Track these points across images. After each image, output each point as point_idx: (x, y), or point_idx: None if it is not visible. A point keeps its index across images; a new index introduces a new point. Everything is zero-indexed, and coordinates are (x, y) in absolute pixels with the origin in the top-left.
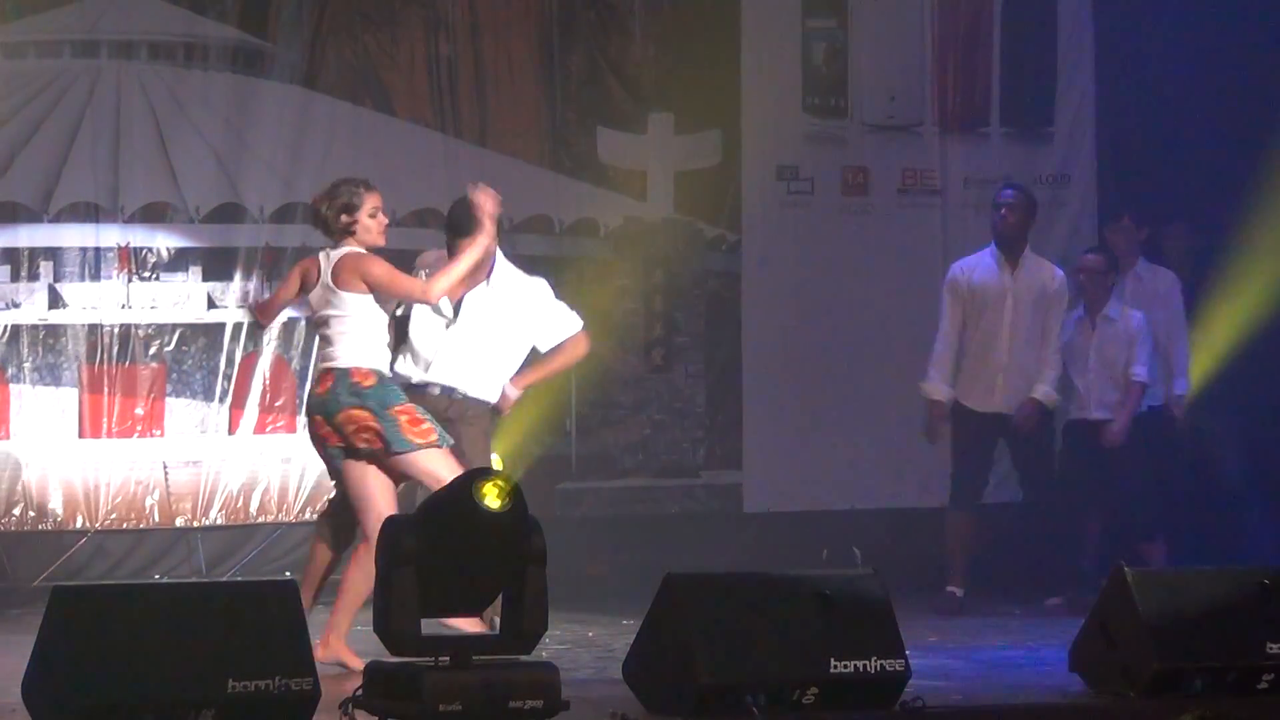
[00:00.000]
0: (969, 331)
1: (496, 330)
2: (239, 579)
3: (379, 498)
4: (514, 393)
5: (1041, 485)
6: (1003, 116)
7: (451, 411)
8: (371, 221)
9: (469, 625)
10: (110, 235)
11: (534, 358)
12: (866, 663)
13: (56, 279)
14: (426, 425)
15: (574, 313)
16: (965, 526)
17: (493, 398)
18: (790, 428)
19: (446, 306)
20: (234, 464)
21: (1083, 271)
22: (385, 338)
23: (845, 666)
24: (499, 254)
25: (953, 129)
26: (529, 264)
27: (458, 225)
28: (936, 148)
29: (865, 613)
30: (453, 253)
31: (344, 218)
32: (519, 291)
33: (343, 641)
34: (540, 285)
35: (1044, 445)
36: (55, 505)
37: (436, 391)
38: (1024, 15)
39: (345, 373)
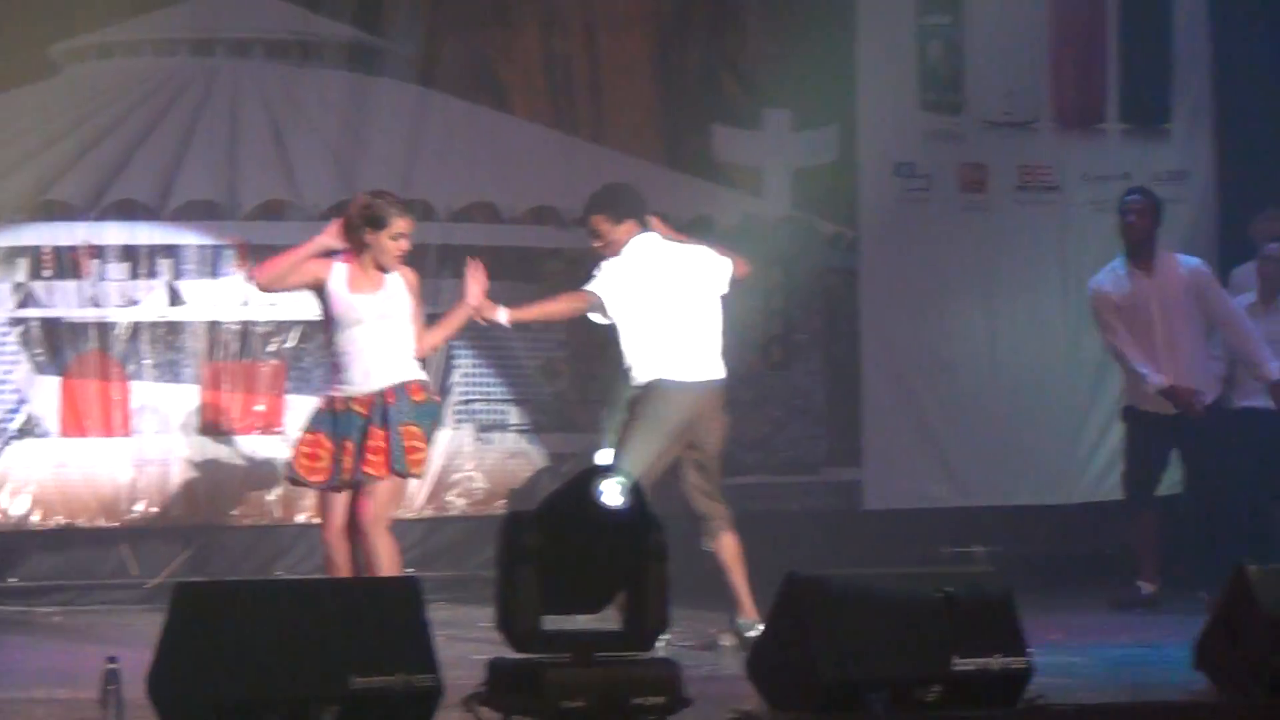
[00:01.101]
0: (1133, 341)
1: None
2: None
3: None
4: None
5: (1208, 476)
6: (1120, 113)
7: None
8: (391, 244)
9: None
10: (228, 232)
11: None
12: (989, 660)
13: (176, 276)
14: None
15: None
16: (1149, 523)
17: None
18: (909, 424)
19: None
20: None
21: (1272, 260)
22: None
23: (968, 664)
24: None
25: (1070, 125)
26: None
27: (603, 205)
28: (1053, 144)
29: (987, 610)
30: (593, 232)
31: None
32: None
33: None
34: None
35: (1215, 437)
36: (177, 501)
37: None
38: (1140, 11)
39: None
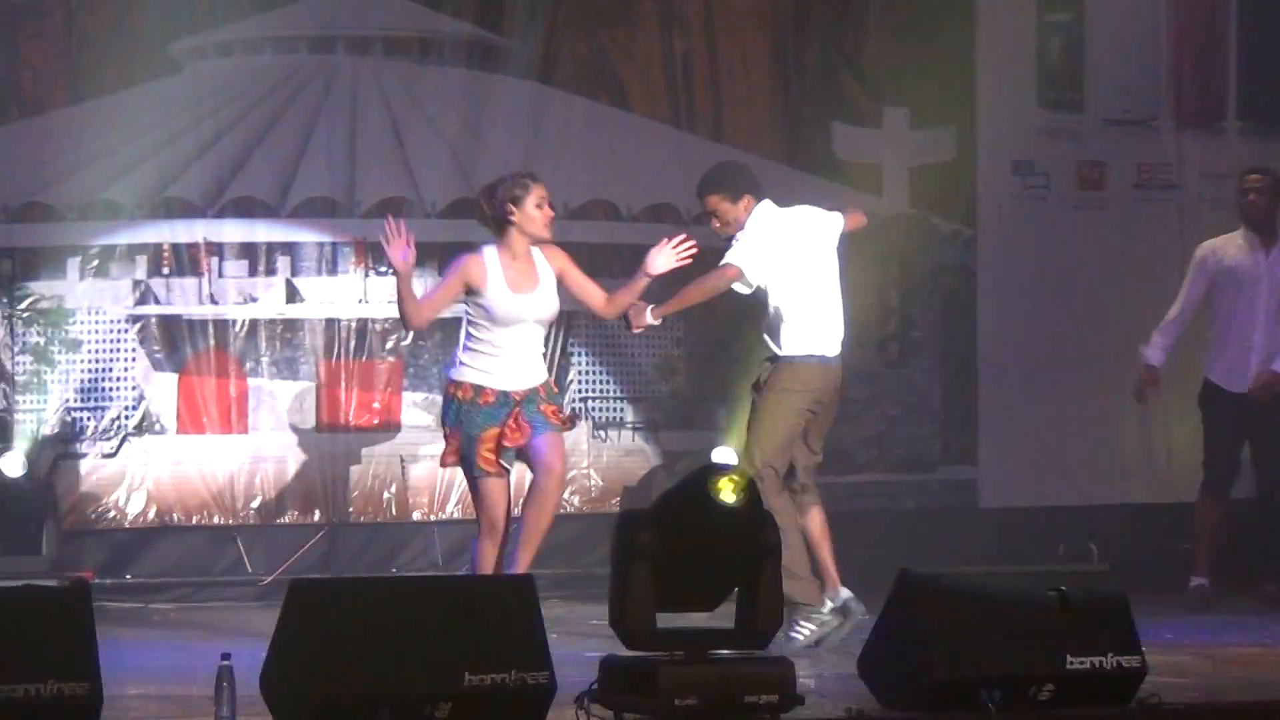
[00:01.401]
0: (1222, 313)
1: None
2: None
3: None
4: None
5: (1271, 465)
6: (1239, 111)
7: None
8: (539, 213)
9: None
10: (346, 230)
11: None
12: (1103, 659)
13: (294, 274)
14: None
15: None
16: (1213, 513)
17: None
18: (1026, 423)
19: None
20: None
21: None
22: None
23: (1081, 663)
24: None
25: (1189, 123)
26: None
27: (717, 185)
28: (1173, 142)
29: (1102, 609)
30: (712, 213)
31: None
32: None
33: None
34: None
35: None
36: (293, 499)
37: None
38: (1260, 8)
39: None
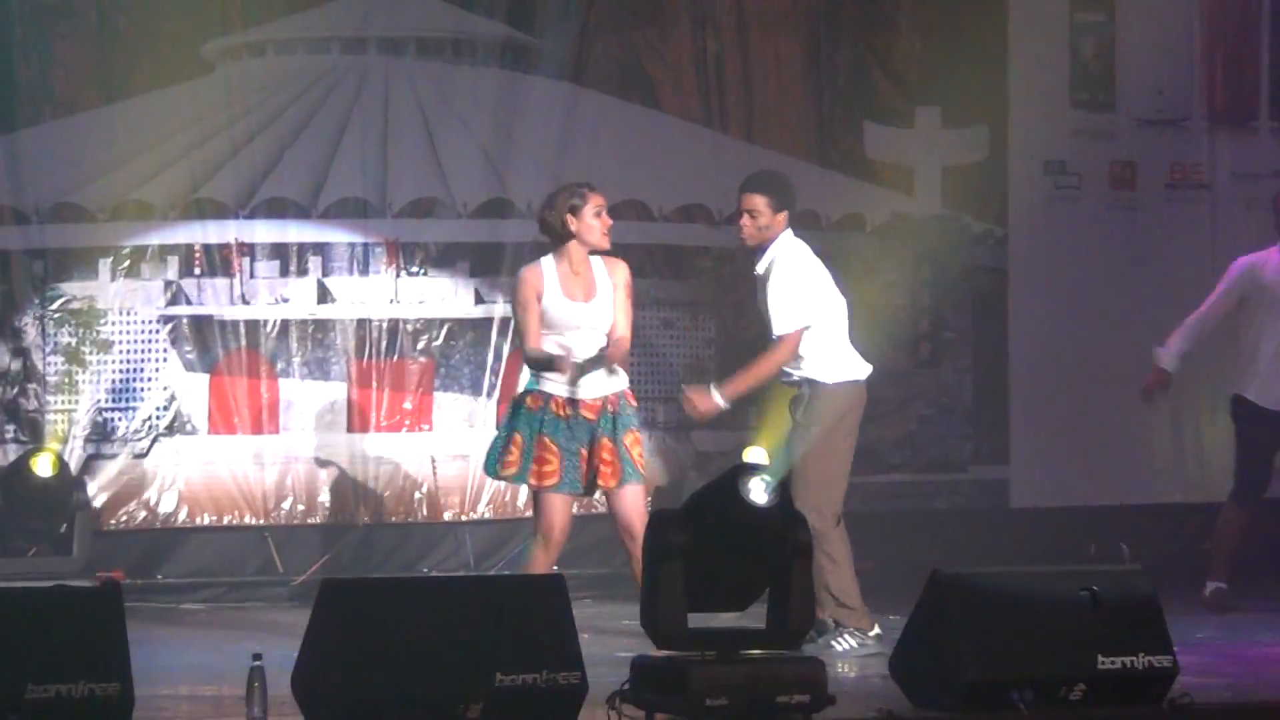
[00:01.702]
0: (1253, 330)
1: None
2: (506, 573)
3: None
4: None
5: None
6: (1272, 110)
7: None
8: (597, 221)
9: None
10: (378, 230)
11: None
12: (1134, 659)
13: (325, 274)
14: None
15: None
16: (1237, 520)
17: None
18: (1057, 423)
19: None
20: None
21: None
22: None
23: (1113, 663)
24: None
25: (1221, 123)
26: None
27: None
28: (1205, 142)
29: (1133, 609)
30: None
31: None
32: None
33: None
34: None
35: None
36: (324, 499)
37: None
38: None
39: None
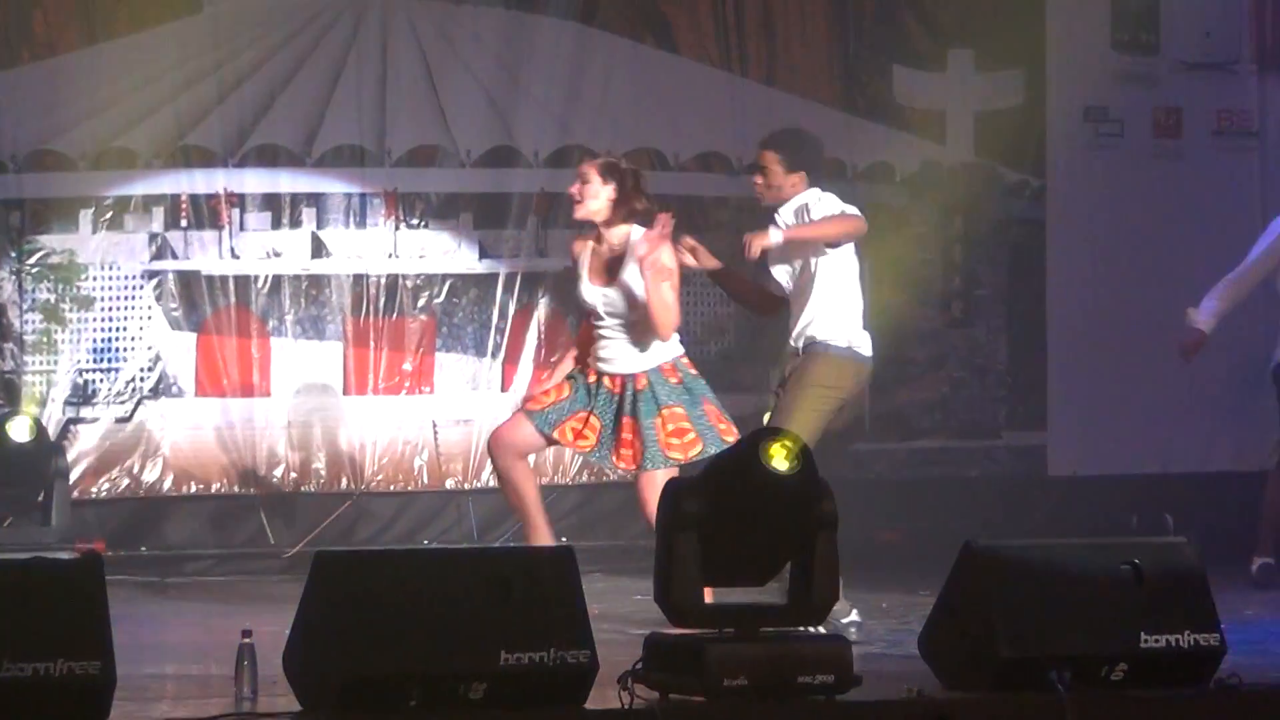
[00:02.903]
0: None
1: None
2: (512, 545)
3: None
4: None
5: None
6: None
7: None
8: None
9: None
10: (376, 180)
11: None
12: (1179, 637)
13: (319, 226)
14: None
15: None
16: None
17: None
18: (1097, 386)
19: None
20: None
21: None
22: None
23: (1156, 641)
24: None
25: (1271, 67)
26: None
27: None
28: (1254, 87)
29: (1178, 584)
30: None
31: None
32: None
33: None
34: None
35: None
36: (318, 466)
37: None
38: None
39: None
